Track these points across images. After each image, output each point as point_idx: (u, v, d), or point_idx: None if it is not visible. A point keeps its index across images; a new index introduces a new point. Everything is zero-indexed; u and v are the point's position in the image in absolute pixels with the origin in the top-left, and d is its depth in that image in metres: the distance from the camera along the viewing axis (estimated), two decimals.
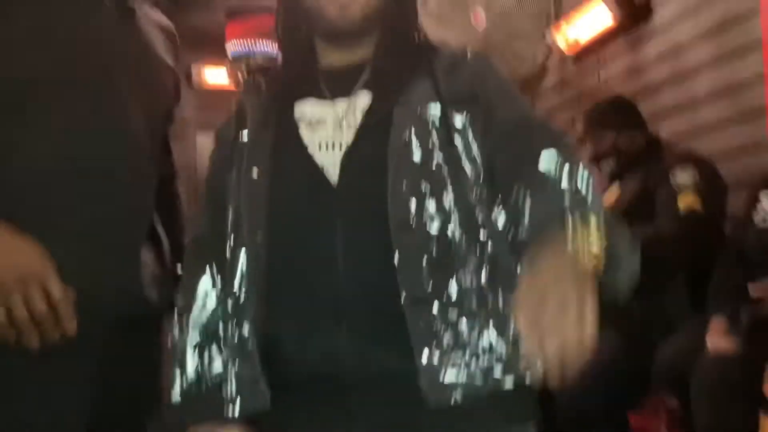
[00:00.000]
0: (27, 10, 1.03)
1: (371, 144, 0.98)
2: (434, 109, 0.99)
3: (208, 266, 1.01)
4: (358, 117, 1.00)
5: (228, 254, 1.00)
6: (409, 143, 0.96)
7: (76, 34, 1.05)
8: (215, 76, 4.07)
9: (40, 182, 1.01)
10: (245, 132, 1.04)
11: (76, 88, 1.04)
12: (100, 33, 1.08)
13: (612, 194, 2.31)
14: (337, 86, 1.04)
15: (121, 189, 1.08)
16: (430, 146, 0.97)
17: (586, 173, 0.89)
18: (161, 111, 1.22)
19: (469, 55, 1.08)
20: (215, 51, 3.24)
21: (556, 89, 3.40)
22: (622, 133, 2.32)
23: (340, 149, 0.99)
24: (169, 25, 1.28)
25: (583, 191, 0.87)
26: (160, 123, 1.22)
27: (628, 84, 2.97)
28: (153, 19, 1.22)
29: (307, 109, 1.03)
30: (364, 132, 0.99)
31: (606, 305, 0.75)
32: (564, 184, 0.88)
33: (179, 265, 1.14)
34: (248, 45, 2.50)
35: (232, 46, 2.56)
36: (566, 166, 0.89)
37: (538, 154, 0.91)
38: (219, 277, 1.00)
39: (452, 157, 0.98)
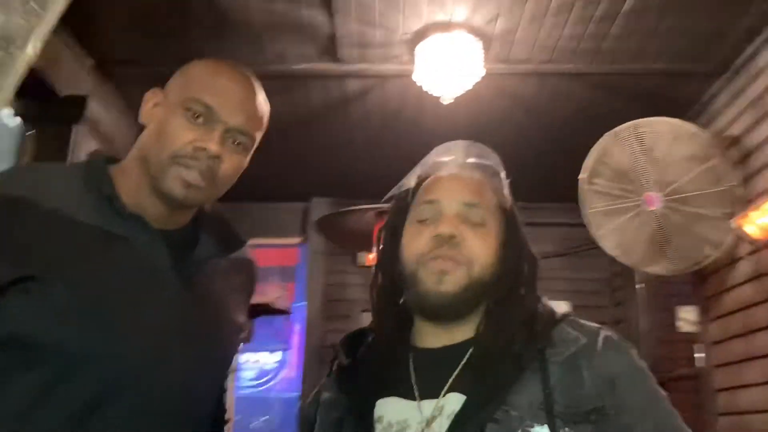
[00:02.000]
0: (88, 279, 1.02)
1: None
2: (539, 431, 0.79)
3: None
4: (445, 426, 0.84)
5: None
6: None
7: (136, 303, 1.04)
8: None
9: None
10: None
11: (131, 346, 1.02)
12: (163, 301, 1.07)
13: None
14: (428, 380, 0.90)
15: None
16: None
17: None
18: (219, 363, 1.21)
19: (600, 342, 0.86)
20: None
21: (751, 281, 2.96)
22: None
23: None
24: (249, 261, 1.29)
25: None
26: (215, 375, 1.21)
27: None
28: (226, 265, 1.18)
29: (388, 411, 0.90)
30: None
31: None
32: None
33: None
34: None
35: None
36: None
37: None
38: None
39: None
